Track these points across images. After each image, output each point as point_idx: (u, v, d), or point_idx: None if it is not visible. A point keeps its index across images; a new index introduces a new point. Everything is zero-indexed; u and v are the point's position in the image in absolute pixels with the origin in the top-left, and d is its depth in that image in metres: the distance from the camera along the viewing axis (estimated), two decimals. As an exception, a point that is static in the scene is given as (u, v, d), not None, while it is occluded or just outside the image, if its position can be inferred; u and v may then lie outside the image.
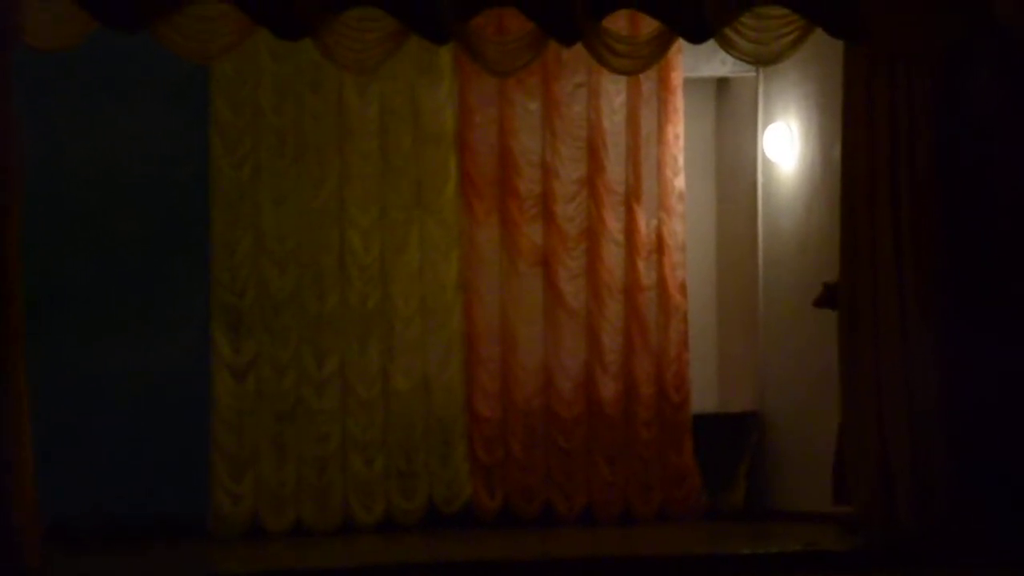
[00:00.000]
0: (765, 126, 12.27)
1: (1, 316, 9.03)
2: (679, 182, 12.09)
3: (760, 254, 12.31)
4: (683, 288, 12.08)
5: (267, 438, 11.32)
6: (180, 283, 11.29)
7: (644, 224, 12.00)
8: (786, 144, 12.08)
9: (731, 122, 12.81)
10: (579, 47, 10.18)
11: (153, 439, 11.01)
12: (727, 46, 10.17)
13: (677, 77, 12.02)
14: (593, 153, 11.95)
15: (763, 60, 10.54)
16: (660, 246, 12.03)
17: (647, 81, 11.90)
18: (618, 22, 10.53)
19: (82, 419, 10.89)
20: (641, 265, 11.98)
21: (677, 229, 12.08)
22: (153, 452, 11.00)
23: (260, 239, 11.38)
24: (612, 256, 11.93)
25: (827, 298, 10.70)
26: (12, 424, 9.04)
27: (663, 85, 12.01)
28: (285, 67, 11.36)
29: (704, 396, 12.45)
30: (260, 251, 11.38)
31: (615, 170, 11.97)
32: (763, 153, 12.30)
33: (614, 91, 11.95)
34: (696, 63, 12.04)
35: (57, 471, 9.89)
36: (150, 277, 11.22)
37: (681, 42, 10.68)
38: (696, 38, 10.14)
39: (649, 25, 10.41)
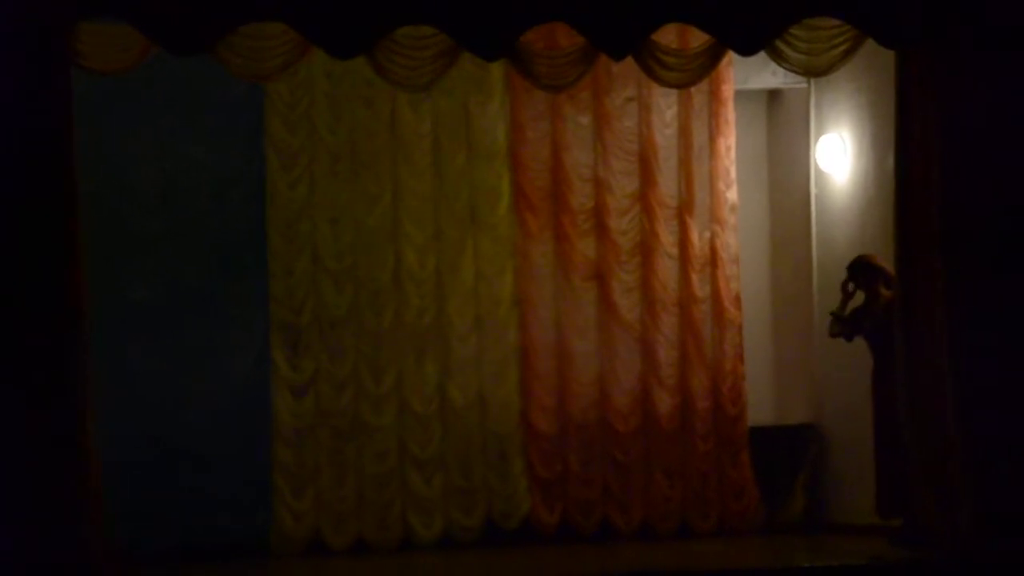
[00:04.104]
0: (817, 137, 12.25)
1: (69, 337, 9.08)
2: (731, 194, 12.09)
3: (814, 265, 12.27)
4: (737, 300, 12.07)
5: (327, 455, 11.38)
6: (238, 302, 11.35)
7: (697, 237, 12.00)
8: (839, 155, 12.05)
9: (783, 133, 12.79)
10: (629, 61, 10.20)
11: (214, 457, 11.07)
12: (778, 58, 10.17)
13: (728, 89, 12.03)
14: (645, 166, 11.96)
15: (814, 71, 10.51)
16: (713, 259, 12.02)
17: (698, 94, 11.91)
18: (667, 35, 10.55)
19: (143, 438, 10.93)
20: (695, 278, 11.97)
21: (730, 241, 12.07)
22: (214, 470, 11.06)
23: (317, 257, 11.46)
24: (666, 269, 11.94)
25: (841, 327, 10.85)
26: (82, 447, 9.08)
27: (714, 97, 12.02)
28: (339, 86, 11.44)
29: (760, 408, 12.40)
30: (317, 269, 11.46)
31: (667, 183, 11.99)
32: (816, 164, 12.27)
33: (665, 104, 11.97)
34: (747, 75, 12.05)
35: (119, 491, 9.93)
36: (209, 296, 11.28)
37: (732, 54, 10.69)
38: (746, 50, 10.14)
39: (699, 38, 10.42)
